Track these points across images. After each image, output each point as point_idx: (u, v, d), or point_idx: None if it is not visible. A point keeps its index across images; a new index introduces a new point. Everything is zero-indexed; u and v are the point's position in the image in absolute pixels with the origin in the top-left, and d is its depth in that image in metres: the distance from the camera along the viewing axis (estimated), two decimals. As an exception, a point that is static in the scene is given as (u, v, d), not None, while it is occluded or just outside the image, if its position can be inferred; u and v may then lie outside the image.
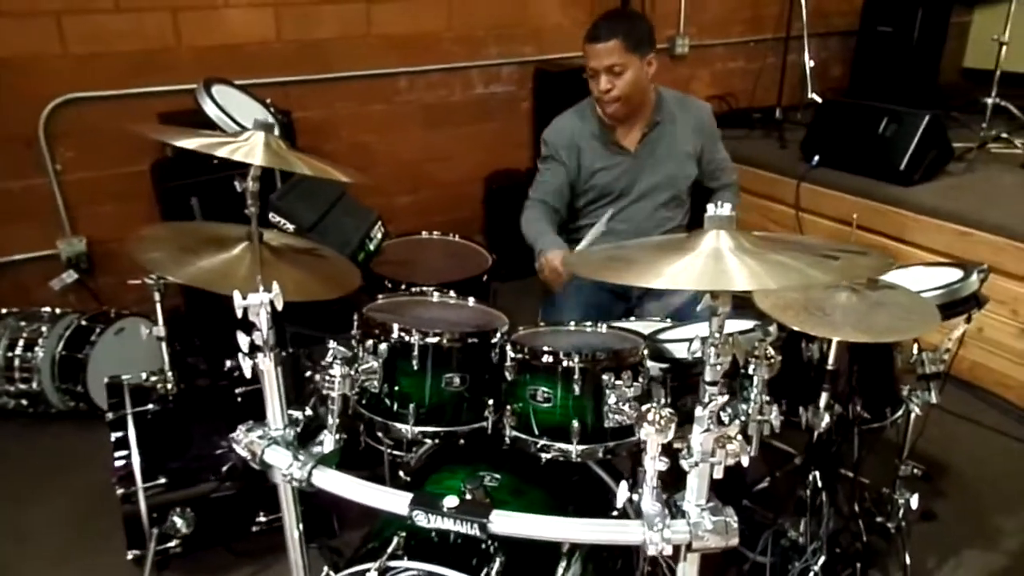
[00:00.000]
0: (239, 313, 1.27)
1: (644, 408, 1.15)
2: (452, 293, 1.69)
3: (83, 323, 2.60)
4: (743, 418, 1.33)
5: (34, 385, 2.54)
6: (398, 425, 1.45)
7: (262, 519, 1.96)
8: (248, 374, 1.33)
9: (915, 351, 1.80)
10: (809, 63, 4.17)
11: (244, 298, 1.27)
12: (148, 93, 2.98)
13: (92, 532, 2.11)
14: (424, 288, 1.76)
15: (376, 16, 3.36)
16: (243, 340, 1.30)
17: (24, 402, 2.58)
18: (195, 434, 1.91)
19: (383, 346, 1.42)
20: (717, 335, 1.08)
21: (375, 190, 3.54)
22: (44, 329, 2.58)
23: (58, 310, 2.73)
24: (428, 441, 1.57)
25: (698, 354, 1.12)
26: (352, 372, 1.35)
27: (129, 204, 3.06)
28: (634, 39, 2.10)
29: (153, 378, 1.96)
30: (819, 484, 1.70)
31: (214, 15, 3.04)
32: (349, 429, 1.50)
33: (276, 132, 2.23)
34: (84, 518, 2.19)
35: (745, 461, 1.16)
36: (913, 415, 1.81)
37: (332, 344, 1.36)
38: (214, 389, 2.04)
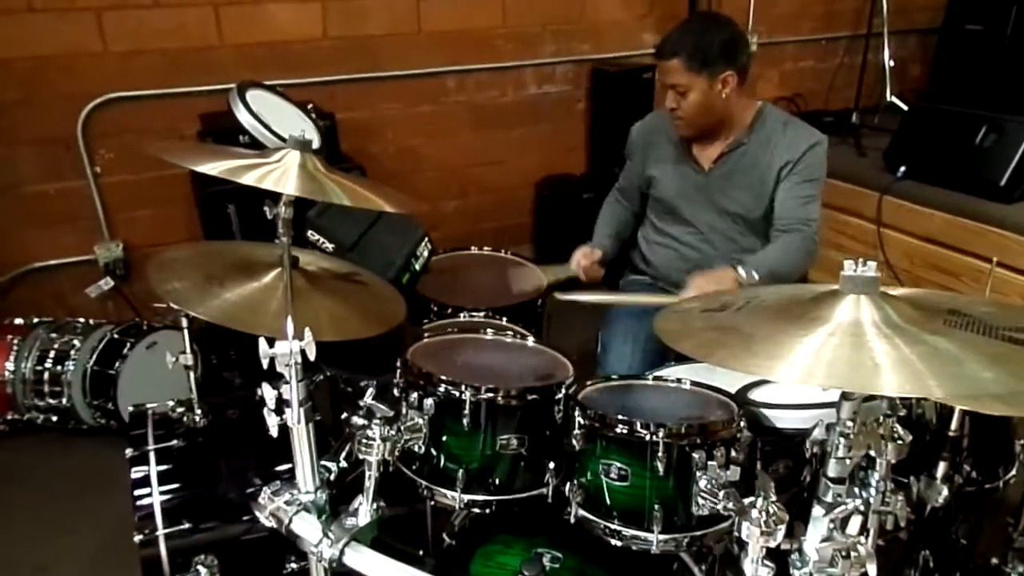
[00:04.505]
0: (264, 364, 1.09)
1: (747, 501, 0.94)
2: (510, 332, 1.48)
3: (115, 336, 2.48)
4: (862, 508, 1.11)
5: (64, 400, 2.43)
6: (443, 490, 1.25)
7: (293, 565, 1.79)
8: (274, 432, 1.16)
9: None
10: (889, 63, 3.87)
11: (271, 346, 1.09)
12: (189, 93, 2.86)
13: (113, 564, 1.99)
14: (476, 318, 1.57)
15: (427, 12, 3.18)
16: (269, 394, 1.13)
17: (54, 418, 2.48)
18: (223, 471, 1.75)
19: (428, 401, 1.22)
20: (850, 424, 0.86)
21: (421, 195, 3.39)
22: (76, 342, 2.47)
23: (92, 321, 2.63)
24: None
25: (822, 439, 0.90)
26: (394, 433, 1.16)
27: (168, 208, 2.96)
28: (700, 57, 1.82)
29: (180, 409, 1.80)
30: (931, 566, 1.46)
31: (257, 11, 2.90)
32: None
33: (318, 147, 2.07)
34: (106, 549, 2.07)
35: (872, 572, 0.95)
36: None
37: (369, 400, 1.17)
38: (245, 421, 1.88)
